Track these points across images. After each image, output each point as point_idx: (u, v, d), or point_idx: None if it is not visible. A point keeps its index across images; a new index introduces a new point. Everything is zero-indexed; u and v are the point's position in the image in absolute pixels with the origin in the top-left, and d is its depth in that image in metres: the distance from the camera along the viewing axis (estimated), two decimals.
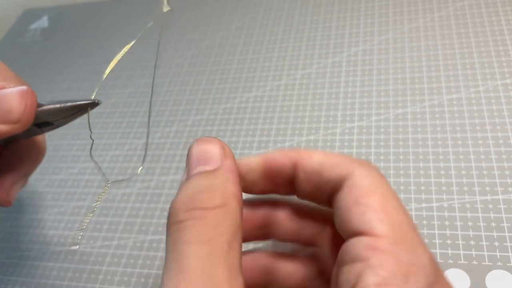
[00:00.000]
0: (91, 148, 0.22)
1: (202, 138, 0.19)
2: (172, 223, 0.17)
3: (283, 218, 0.21)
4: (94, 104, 0.21)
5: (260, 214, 0.22)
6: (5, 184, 0.25)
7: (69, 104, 0.21)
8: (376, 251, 0.15)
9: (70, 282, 0.32)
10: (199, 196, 0.17)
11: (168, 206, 0.34)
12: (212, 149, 0.18)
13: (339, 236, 0.17)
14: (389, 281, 0.14)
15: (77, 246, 0.34)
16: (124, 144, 0.40)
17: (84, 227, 0.35)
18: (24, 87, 0.20)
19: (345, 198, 0.17)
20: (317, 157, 0.18)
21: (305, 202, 0.21)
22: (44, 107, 0.21)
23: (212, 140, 0.19)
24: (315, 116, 0.37)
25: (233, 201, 0.17)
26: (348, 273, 0.15)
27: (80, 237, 0.34)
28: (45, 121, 0.21)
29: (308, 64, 0.41)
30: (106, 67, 0.49)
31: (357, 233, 0.16)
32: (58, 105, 0.21)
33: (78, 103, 0.21)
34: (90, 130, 0.21)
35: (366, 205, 0.16)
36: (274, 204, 0.22)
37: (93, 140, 0.20)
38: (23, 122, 0.20)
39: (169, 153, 0.38)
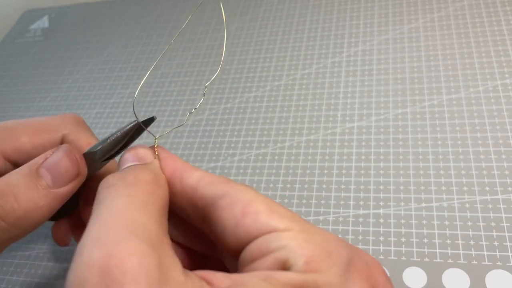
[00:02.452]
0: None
1: (134, 146, 0.20)
2: (101, 188, 0.17)
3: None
4: (149, 121, 0.21)
5: None
6: (64, 227, 0.27)
7: (118, 133, 0.21)
8: (290, 240, 0.15)
9: None
10: (132, 169, 0.18)
11: None
12: (142, 151, 0.19)
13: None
14: (314, 258, 0.15)
15: None
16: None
17: None
18: (64, 146, 0.22)
19: (229, 214, 0.17)
20: (197, 174, 0.18)
21: None
22: (99, 147, 0.22)
23: (143, 145, 0.20)
24: (315, 116, 0.37)
25: (165, 184, 0.18)
26: (268, 263, 0.15)
27: None
28: (108, 157, 0.22)
29: (308, 64, 0.42)
30: (107, 67, 0.49)
31: (260, 235, 0.16)
32: (108, 140, 0.21)
33: (125, 130, 0.21)
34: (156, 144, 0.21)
35: (255, 212, 0.16)
36: None
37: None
38: (82, 173, 0.22)
39: None
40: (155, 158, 0.19)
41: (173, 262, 0.15)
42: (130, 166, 0.19)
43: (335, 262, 0.15)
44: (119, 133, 0.21)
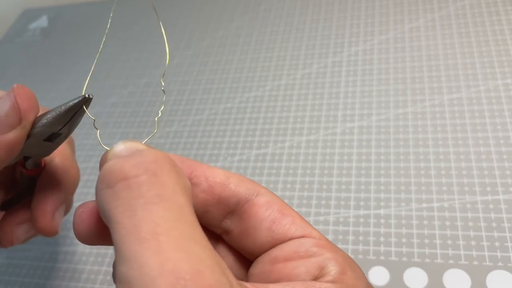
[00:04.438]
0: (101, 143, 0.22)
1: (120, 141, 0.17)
2: (116, 180, 0.14)
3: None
4: (87, 100, 0.21)
5: None
6: (47, 210, 0.24)
7: (62, 108, 0.20)
8: (325, 248, 0.17)
9: (70, 282, 0.32)
10: (145, 153, 0.15)
11: None
12: (132, 144, 0.16)
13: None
14: (345, 270, 0.16)
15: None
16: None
17: None
18: (10, 89, 0.20)
19: (268, 211, 0.18)
20: (220, 171, 0.18)
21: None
22: (43, 119, 0.20)
23: (134, 140, 0.17)
24: (315, 116, 0.37)
25: (180, 168, 0.16)
26: (305, 266, 0.16)
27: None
28: (51, 133, 0.21)
29: (308, 64, 0.41)
30: (106, 67, 0.49)
31: (295, 237, 0.17)
32: (53, 113, 0.20)
33: (70, 104, 0.20)
34: (96, 127, 0.20)
35: (291, 215, 0.18)
36: None
37: (97, 129, 0.20)
38: (26, 120, 0.20)
39: (169, 153, 0.38)
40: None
41: (232, 275, 0.14)
42: (128, 143, 0.16)
43: (361, 276, 0.17)
44: (63, 107, 0.20)
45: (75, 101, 0.20)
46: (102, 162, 0.17)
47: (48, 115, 0.20)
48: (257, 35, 0.46)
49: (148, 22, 0.53)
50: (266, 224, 0.17)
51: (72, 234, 0.35)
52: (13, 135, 0.20)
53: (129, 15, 0.55)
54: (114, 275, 0.15)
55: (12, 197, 0.27)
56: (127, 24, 0.54)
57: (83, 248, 0.34)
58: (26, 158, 0.23)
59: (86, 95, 0.20)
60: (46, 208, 0.24)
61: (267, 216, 0.17)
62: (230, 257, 0.19)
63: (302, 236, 0.17)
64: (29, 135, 0.21)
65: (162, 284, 0.12)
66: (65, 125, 0.21)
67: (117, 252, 0.13)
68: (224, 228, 0.18)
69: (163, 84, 0.20)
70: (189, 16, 0.52)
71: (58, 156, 0.25)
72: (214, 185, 0.18)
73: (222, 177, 0.18)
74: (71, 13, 0.60)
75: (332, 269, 0.16)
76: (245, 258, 0.19)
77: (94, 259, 0.33)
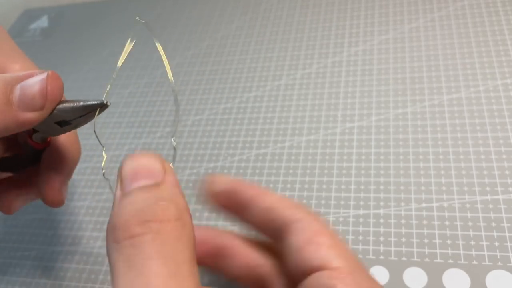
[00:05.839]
0: (104, 148, 0.23)
1: (138, 153, 0.18)
2: (123, 238, 0.16)
3: (237, 249, 0.22)
4: (103, 106, 0.22)
5: (213, 242, 0.22)
6: (55, 185, 0.26)
7: (81, 103, 0.22)
8: (340, 279, 0.17)
9: (70, 282, 0.32)
10: (152, 209, 0.16)
11: None
12: (152, 163, 0.17)
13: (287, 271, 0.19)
14: None
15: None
16: (124, 144, 0.40)
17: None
18: (44, 74, 0.21)
19: (298, 238, 0.18)
20: (270, 197, 0.20)
21: (254, 235, 0.22)
22: (60, 106, 0.22)
23: (151, 154, 0.18)
24: (315, 116, 0.37)
25: (187, 214, 0.17)
26: None
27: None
28: (63, 119, 0.22)
29: (308, 64, 0.41)
30: (106, 67, 0.49)
31: (315, 267, 0.18)
32: (71, 104, 0.22)
33: (88, 103, 0.22)
34: (96, 135, 0.21)
35: (319, 243, 0.18)
36: (226, 235, 0.23)
37: (98, 138, 0.21)
38: (46, 108, 0.21)
39: (169, 153, 0.38)
40: (164, 170, 0.18)
41: None
42: (139, 188, 0.17)
43: None
44: (81, 103, 0.22)
45: (93, 102, 0.22)
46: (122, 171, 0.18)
47: (66, 104, 0.22)
48: (257, 35, 0.46)
49: (148, 22, 0.53)
50: (294, 251, 0.18)
51: (72, 233, 0.35)
52: (31, 116, 0.21)
53: (129, 15, 0.55)
54: None
55: (8, 158, 0.28)
56: (127, 24, 0.54)
57: (83, 248, 0.34)
58: (34, 131, 0.24)
59: (105, 101, 0.22)
60: (54, 184, 0.26)
61: (297, 242, 0.18)
62: None
63: (320, 267, 0.17)
64: None
65: None
66: (76, 118, 0.22)
67: None
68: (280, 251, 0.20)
69: (174, 143, 0.22)
70: (189, 16, 0.52)
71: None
72: (262, 210, 0.20)
73: (270, 202, 0.20)
74: (71, 13, 0.60)
75: None
76: None
77: (94, 259, 0.33)
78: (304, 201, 0.32)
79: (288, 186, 0.33)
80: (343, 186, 0.32)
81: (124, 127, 0.42)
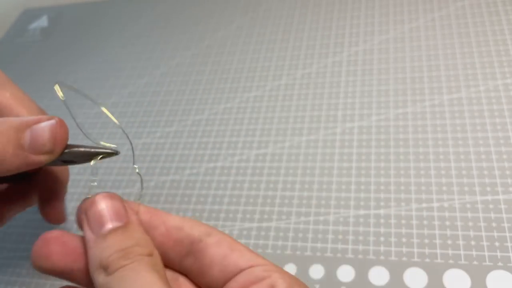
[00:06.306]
0: (133, 157, 0.24)
1: (101, 194, 0.20)
2: (115, 269, 0.18)
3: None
4: (113, 154, 0.24)
5: None
6: (56, 205, 0.29)
7: (92, 150, 0.23)
8: (273, 271, 0.19)
9: (70, 283, 0.32)
10: (130, 249, 0.19)
11: (168, 206, 0.34)
12: (117, 205, 0.20)
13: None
14: (292, 285, 0.19)
15: None
16: (124, 144, 0.40)
17: None
18: (53, 121, 0.23)
19: (218, 250, 0.20)
20: (177, 218, 0.21)
21: None
22: (71, 149, 0.24)
23: (113, 195, 0.20)
24: (315, 116, 0.37)
25: (155, 250, 0.20)
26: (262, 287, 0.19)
27: None
28: (70, 160, 0.24)
29: (308, 64, 0.41)
30: (106, 67, 0.49)
31: (245, 268, 0.19)
32: (82, 149, 0.23)
33: (99, 151, 0.23)
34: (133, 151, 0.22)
35: (241, 250, 0.20)
36: None
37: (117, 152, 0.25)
38: (55, 152, 0.23)
39: (169, 153, 0.38)
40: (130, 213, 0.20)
41: None
42: (112, 229, 0.19)
43: None
44: (92, 150, 0.23)
45: (104, 151, 0.24)
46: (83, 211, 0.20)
47: (76, 149, 0.24)
48: (257, 35, 0.46)
49: (148, 22, 0.53)
50: (218, 261, 0.20)
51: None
52: (41, 158, 0.23)
53: (129, 15, 0.55)
54: None
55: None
56: (127, 24, 0.54)
57: None
58: None
59: (115, 151, 0.24)
60: (55, 204, 0.29)
61: (219, 253, 0.20)
62: None
63: (251, 266, 0.19)
64: None
65: None
66: (84, 160, 0.24)
67: None
68: (184, 268, 0.21)
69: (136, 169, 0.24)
70: (189, 16, 0.52)
71: None
72: (170, 229, 0.21)
73: (178, 221, 0.21)
74: (71, 13, 0.60)
75: (281, 285, 0.18)
76: None
77: None
78: (304, 201, 0.32)
79: (288, 186, 0.33)
80: (343, 186, 0.32)
81: (124, 127, 0.42)
